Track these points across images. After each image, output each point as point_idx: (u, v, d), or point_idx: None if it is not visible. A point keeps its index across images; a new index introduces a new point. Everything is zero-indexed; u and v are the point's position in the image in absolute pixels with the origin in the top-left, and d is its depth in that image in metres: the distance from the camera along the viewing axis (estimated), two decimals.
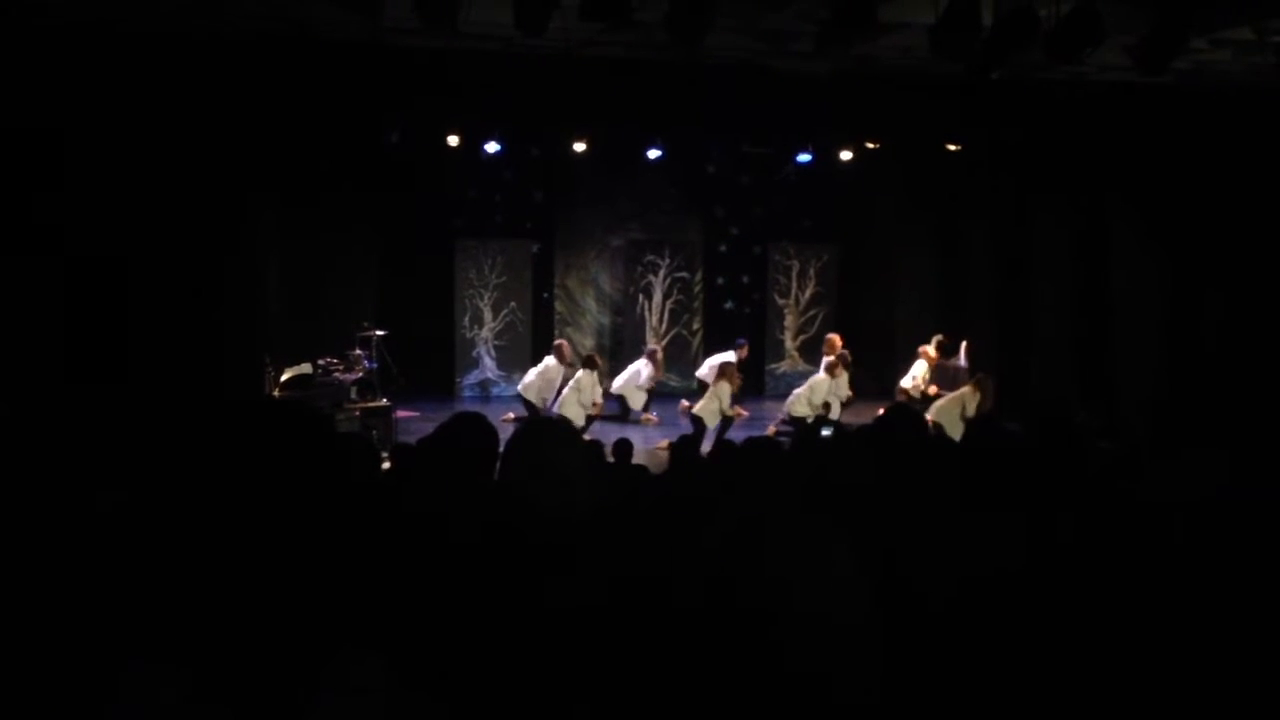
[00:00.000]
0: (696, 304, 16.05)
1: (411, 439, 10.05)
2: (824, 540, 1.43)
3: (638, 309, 15.83)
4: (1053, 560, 2.62)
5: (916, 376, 13.35)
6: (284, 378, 11.45)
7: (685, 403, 13.38)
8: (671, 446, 7.77)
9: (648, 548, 2.29)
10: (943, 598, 2.39)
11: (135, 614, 2.00)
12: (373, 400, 11.60)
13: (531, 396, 13.05)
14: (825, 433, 6.20)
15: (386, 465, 5.95)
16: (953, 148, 12.82)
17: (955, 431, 11.92)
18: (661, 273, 15.82)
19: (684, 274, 15.93)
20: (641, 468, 6.78)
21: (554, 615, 2.11)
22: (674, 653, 1.49)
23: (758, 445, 3.56)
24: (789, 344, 16.15)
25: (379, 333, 12.64)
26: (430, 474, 3.52)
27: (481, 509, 2.61)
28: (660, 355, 13.90)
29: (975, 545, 2.52)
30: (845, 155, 13.83)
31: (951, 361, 14.90)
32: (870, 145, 13.46)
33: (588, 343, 15.84)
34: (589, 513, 2.37)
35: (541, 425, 2.91)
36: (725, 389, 12.18)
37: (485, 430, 3.56)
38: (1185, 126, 11.26)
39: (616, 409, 13.56)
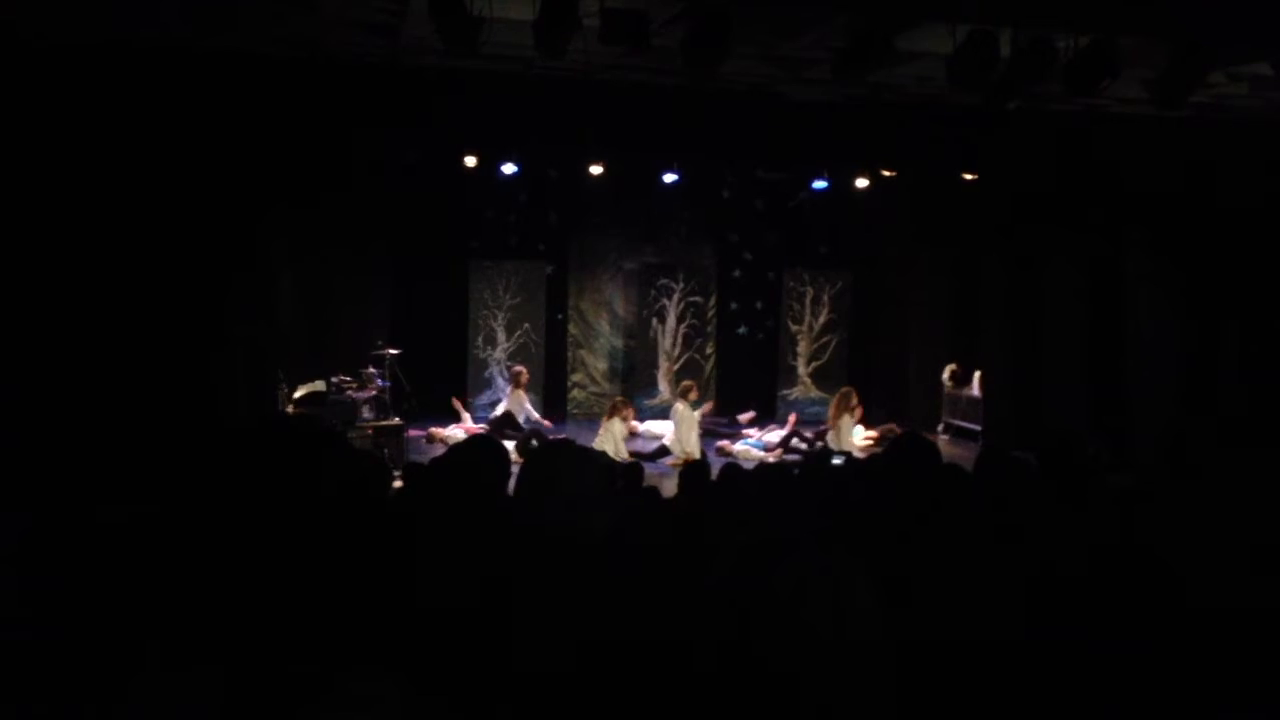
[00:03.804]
0: (710, 329, 16.07)
1: (423, 458, 10.05)
2: (841, 571, 1.42)
3: (651, 332, 15.84)
4: (1061, 594, 2.60)
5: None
6: (297, 395, 11.47)
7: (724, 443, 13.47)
8: (682, 471, 7.77)
9: (659, 576, 2.28)
10: (956, 628, 2.38)
11: (147, 622, 2.02)
12: (385, 419, 11.62)
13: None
14: (836, 461, 6.19)
15: (398, 484, 5.95)
16: (969, 177, 12.83)
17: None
18: (675, 297, 15.84)
19: (697, 298, 15.95)
20: (653, 490, 6.76)
21: (565, 640, 2.10)
22: (687, 682, 1.48)
23: (769, 471, 3.56)
24: (801, 370, 16.14)
25: (392, 351, 12.66)
26: (442, 494, 3.53)
27: (494, 530, 2.62)
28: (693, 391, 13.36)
29: (988, 577, 2.51)
30: (861, 183, 13.85)
31: (964, 391, 14.88)
32: (886, 173, 13.49)
33: (601, 366, 15.86)
34: (602, 534, 2.37)
35: (556, 447, 2.92)
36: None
37: (497, 452, 3.56)
38: (1202, 159, 11.25)
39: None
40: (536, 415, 13.64)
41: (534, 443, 11.89)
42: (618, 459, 11.59)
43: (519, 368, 14.11)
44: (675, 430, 12.74)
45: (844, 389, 13.83)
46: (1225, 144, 11.04)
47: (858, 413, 13.52)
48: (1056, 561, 2.66)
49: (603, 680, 2.00)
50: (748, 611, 1.40)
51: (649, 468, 10.73)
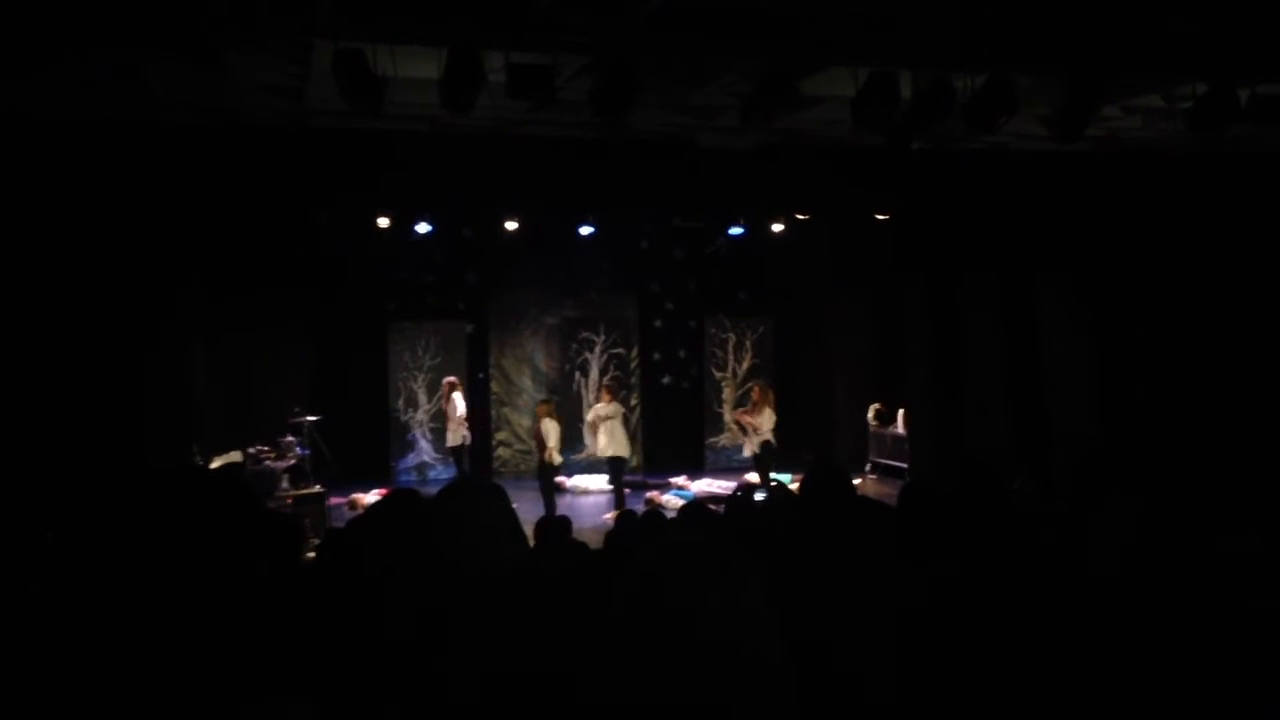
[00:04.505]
0: (633, 380, 16.03)
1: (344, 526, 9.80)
2: (733, 570, 1.40)
3: (574, 387, 15.76)
4: (972, 607, 2.61)
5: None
6: (212, 467, 11.16)
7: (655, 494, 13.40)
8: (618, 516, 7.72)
9: (567, 605, 2.25)
10: (865, 640, 2.37)
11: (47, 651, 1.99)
12: (305, 487, 11.34)
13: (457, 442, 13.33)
14: (759, 496, 6.18)
15: (313, 552, 5.78)
16: (881, 217, 13.03)
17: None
18: (597, 349, 15.81)
19: (620, 350, 15.93)
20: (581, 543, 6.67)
21: (473, 668, 2.07)
22: (592, 707, 1.45)
23: (689, 509, 3.53)
24: (727, 417, 16.15)
25: (311, 418, 12.41)
26: (363, 541, 3.47)
27: (410, 567, 2.57)
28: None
29: (899, 592, 2.50)
30: (776, 227, 13.99)
31: (890, 429, 15.01)
32: (800, 217, 13.64)
33: (525, 423, 15.71)
34: (511, 570, 2.33)
35: (464, 483, 2.87)
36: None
37: (419, 504, 3.49)
38: (1102, 190, 11.57)
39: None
40: (462, 410, 13.41)
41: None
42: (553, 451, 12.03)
43: (449, 379, 13.76)
44: (601, 433, 12.64)
45: (763, 385, 13.75)
46: (1123, 174, 11.38)
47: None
48: (968, 581, 2.66)
49: (508, 712, 1.98)
50: (646, 626, 1.36)
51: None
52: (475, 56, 7.23)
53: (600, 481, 13.49)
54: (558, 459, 12.22)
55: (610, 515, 12.21)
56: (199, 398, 11.96)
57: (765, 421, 12.77)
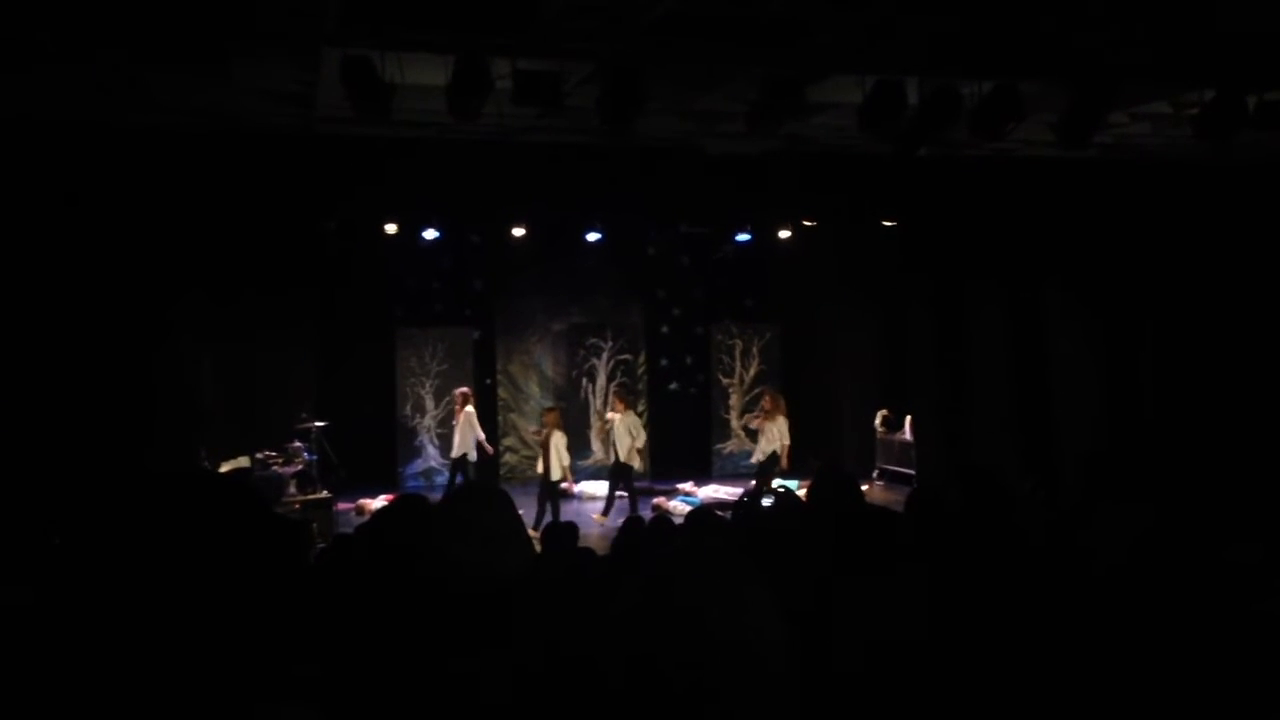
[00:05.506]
0: (640, 386, 16.02)
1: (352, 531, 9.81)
2: (738, 577, 1.40)
3: (581, 393, 15.75)
4: (977, 613, 2.61)
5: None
6: (221, 472, 11.18)
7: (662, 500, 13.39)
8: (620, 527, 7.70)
9: (568, 603, 2.25)
10: (866, 649, 2.37)
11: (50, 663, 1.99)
12: (312, 493, 11.36)
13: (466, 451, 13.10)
14: (766, 502, 6.19)
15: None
16: (888, 224, 13.01)
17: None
18: (604, 355, 15.80)
19: (627, 356, 15.91)
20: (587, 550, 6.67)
21: (478, 671, 2.08)
22: (599, 703, 1.45)
23: (697, 514, 3.53)
24: (734, 423, 16.14)
25: (318, 424, 12.42)
26: (371, 544, 3.48)
27: (413, 571, 2.57)
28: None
29: (899, 600, 2.50)
30: (783, 234, 13.98)
31: (897, 436, 14.98)
32: (807, 223, 13.63)
33: (532, 429, 15.71)
34: (517, 574, 2.33)
35: (470, 489, 2.89)
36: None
37: (425, 509, 3.49)
38: (1110, 197, 11.55)
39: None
40: (482, 436, 13.28)
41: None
42: (567, 470, 12.06)
43: (462, 389, 13.62)
44: (619, 442, 12.61)
45: (774, 392, 13.74)
46: (1131, 180, 11.36)
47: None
48: (969, 581, 2.66)
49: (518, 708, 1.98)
50: (653, 626, 1.37)
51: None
52: (482, 63, 7.25)
53: (606, 488, 13.44)
54: (559, 474, 12.15)
55: (599, 516, 12.28)
56: (206, 403, 11.99)
57: (780, 428, 12.82)
